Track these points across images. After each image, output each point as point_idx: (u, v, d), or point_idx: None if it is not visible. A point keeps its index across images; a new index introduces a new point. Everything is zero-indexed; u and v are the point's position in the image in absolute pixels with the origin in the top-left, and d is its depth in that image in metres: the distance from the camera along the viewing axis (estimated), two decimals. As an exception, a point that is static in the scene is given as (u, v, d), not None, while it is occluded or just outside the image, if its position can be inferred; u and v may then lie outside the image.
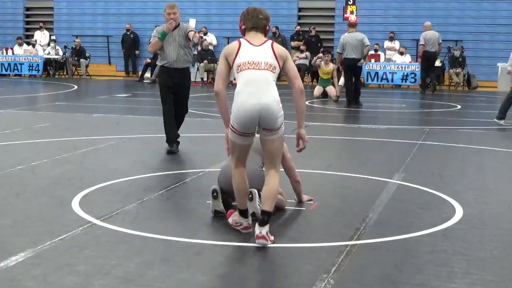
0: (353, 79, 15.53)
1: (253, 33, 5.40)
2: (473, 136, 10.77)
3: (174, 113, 8.92)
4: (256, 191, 5.40)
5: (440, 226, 5.40)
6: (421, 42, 19.30)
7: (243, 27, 5.49)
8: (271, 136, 5.10)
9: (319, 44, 23.32)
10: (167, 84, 8.81)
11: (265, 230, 4.84)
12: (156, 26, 9.25)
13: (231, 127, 5.09)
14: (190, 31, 8.68)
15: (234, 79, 5.27)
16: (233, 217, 5.26)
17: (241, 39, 5.35)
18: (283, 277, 4.19)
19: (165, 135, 8.88)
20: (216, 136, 10.20)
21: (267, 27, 5.53)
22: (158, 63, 9.01)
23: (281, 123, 5.18)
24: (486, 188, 7.04)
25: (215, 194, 5.57)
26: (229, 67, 5.24)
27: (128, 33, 24.74)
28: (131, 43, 24.57)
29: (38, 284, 4.01)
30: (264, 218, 4.88)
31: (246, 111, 5.01)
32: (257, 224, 4.88)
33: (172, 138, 8.81)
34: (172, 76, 8.77)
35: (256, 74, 5.14)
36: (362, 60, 15.57)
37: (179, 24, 8.73)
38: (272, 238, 4.88)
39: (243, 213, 5.18)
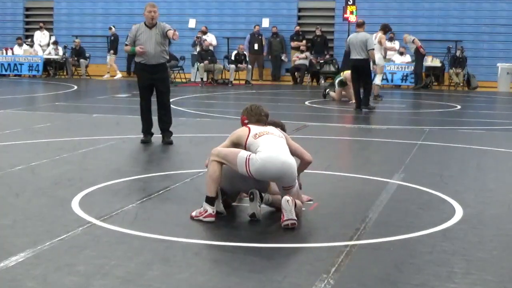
0: (362, 80, 14.53)
1: (257, 124, 5.86)
2: (473, 136, 10.78)
3: (159, 107, 9.62)
4: (257, 191, 5.42)
5: (440, 226, 5.40)
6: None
7: (246, 121, 5.92)
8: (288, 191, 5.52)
9: (325, 44, 23.35)
10: (145, 80, 9.45)
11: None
12: (134, 25, 9.76)
13: (247, 167, 5.42)
14: (168, 30, 9.29)
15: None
16: (197, 210, 5.48)
17: (249, 125, 5.82)
18: (282, 277, 4.19)
19: (141, 126, 9.61)
20: (216, 136, 10.20)
21: (266, 123, 5.95)
22: (136, 59, 9.57)
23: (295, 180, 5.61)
24: (486, 188, 7.04)
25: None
26: (234, 146, 5.69)
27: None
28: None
29: (38, 284, 4.01)
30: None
31: (274, 164, 5.39)
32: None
33: (147, 130, 9.57)
34: (150, 72, 9.38)
35: (276, 139, 5.62)
36: (374, 66, 15.20)
37: (156, 23, 9.35)
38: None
39: (210, 200, 5.43)
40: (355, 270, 4.38)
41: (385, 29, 16.52)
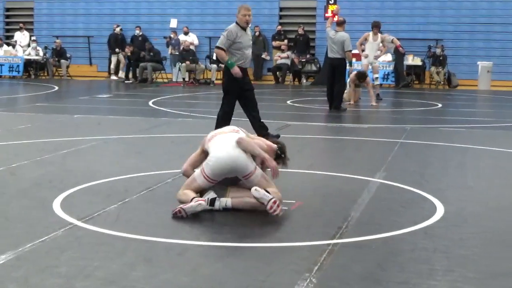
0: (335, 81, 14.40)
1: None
2: (453, 135, 10.84)
3: (253, 107, 9.36)
4: (210, 198, 5.69)
5: (422, 224, 5.43)
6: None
7: None
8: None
9: (308, 44, 23.37)
10: (238, 84, 9.24)
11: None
12: (230, 27, 9.27)
13: (206, 176, 5.83)
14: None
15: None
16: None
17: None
18: (265, 277, 4.20)
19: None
20: (197, 136, 10.18)
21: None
22: (236, 63, 9.14)
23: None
24: (467, 186, 7.09)
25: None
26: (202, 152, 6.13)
27: (116, 33, 24.62)
28: (118, 44, 24.43)
29: (19, 286, 3.98)
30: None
31: (222, 163, 5.81)
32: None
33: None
34: (243, 75, 9.25)
35: (224, 137, 6.04)
36: (350, 67, 15.14)
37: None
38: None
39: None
40: (338, 269, 4.39)
41: (379, 27, 16.50)
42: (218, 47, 9.20)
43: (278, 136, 8.95)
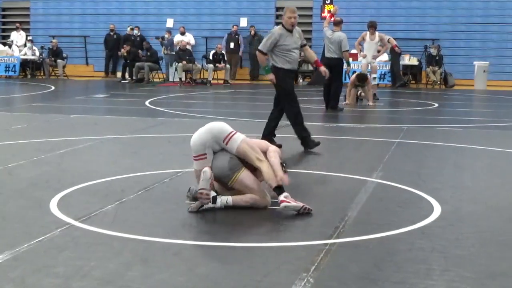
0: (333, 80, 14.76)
1: None
2: (450, 134, 10.86)
3: (280, 111, 9.37)
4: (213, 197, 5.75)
5: (418, 224, 5.44)
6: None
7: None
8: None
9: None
10: (292, 84, 9.28)
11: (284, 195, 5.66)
12: (274, 29, 9.37)
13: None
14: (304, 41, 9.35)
15: None
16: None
17: None
18: (262, 276, 4.20)
19: (298, 135, 9.27)
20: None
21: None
22: (283, 66, 9.06)
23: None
24: (463, 186, 7.10)
25: (188, 190, 6.08)
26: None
27: (112, 33, 24.64)
28: (114, 44, 24.45)
29: (16, 287, 3.98)
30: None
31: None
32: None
33: (307, 131, 9.24)
34: (292, 77, 9.35)
35: None
36: (348, 67, 15.17)
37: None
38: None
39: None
40: (335, 269, 4.39)
41: (375, 26, 16.50)
42: (258, 50, 9.17)
43: (318, 144, 9.10)
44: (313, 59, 9.67)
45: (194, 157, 5.95)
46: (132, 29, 24.11)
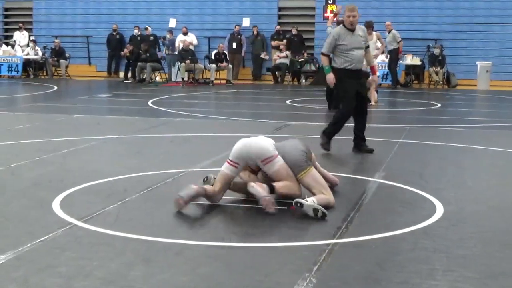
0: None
1: None
2: (452, 134, 10.85)
3: (360, 114, 9.05)
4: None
5: (421, 224, 5.43)
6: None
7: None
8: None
9: (302, 44, 23.38)
10: (352, 87, 8.85)
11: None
12: (334, 30, 9.13)
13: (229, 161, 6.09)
14: (368, 44, 8.98)
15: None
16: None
17: None
18: (265, 276, 4.20)
19: (327, 136, 9.02)
20: (197, 136, 10.19)
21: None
22: (342, 66, 8.86)
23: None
24: (466, 186, 7.09)
25: (205, 179, 6.27)
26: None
27: (114, 33, 24.65)
28: (116, 44, 24.46)
29: (19, 286, 3.98)
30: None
31: (240, 143, 6.09)
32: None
33: (330, 141, 9.04)
34: (355, 77, 8.86)
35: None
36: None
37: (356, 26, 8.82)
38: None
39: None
40: (337, 269, 4.39)
41: (372, 26, 16.48)
42: (322, 53, 9.03)
43: (371, 151, 8.95)
44: (369, 63, 9.40)
45: (230, 161, 5.98)
46: (146, 28, 23.99)
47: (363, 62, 9.04)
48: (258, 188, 5.67)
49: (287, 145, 6.08)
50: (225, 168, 5.99)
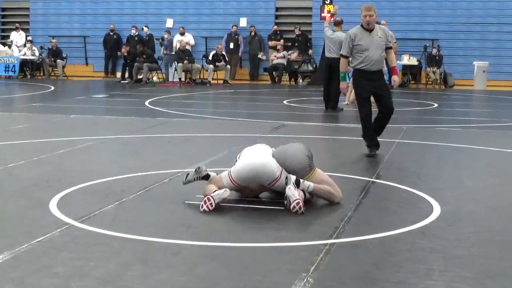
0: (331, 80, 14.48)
1: None
2: (449, 134, 10.86)
3: (384, 114, 8.88)
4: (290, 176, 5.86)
5: (418, 224, 5.44)
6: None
7: None
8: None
9: (307, 43, 23.38)
10: (366, 89, 8.69)
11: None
12: (351, 30, 8.86)
13: (232, 179, 6.12)
14: (389, 44, 8.76)
15: None
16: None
17: None
18: (262, 276, 4.20)
19: (365, 140, 8.82)
20: (194, 136, 10.19)
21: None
22: (357, 66, 8.71)
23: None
24: (463, 186, 7.10)
25: (197, 169, 6.20)
26: None
27: (111, 33, 24.63)
28: (113, 44, 24.45)
29: (16, 287, 3.98)
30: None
31: (247, 166, 6.05)
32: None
33: (375, 142, 8.79)
34: (371, 79, 8.64)
35: (255, 147, 6.32)
36: (348, 68, 15.11)
37: (374, 26, 8.62)
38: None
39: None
40: (335, 269, 4.40)
41: None
42: (340, 54, 8.90)
43: (372, 155, 8.73)
44: (391, 64, 9.04)
45: (232, 179, 6.01)
46: (142, 29, 23.98)
47: (382, 63, 8.87)
48: (295, 192, 5.75)
49: (289, 150, 6.12)
50: (226, 182, 6.03)
